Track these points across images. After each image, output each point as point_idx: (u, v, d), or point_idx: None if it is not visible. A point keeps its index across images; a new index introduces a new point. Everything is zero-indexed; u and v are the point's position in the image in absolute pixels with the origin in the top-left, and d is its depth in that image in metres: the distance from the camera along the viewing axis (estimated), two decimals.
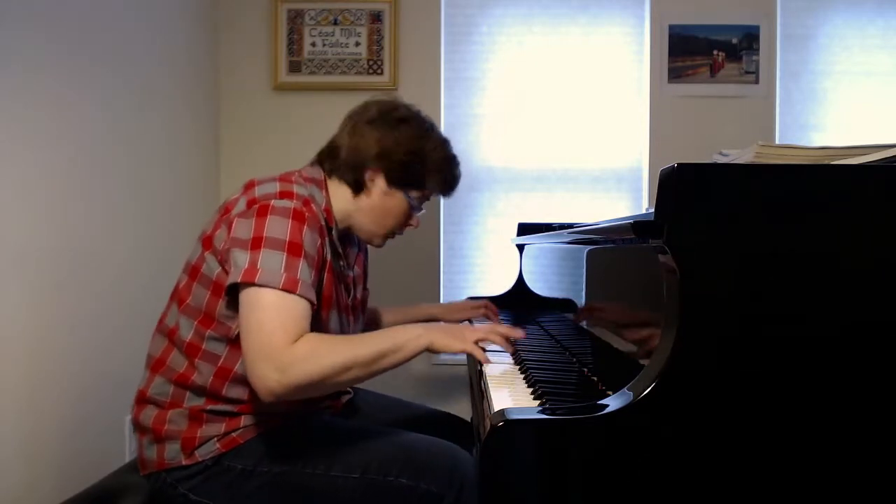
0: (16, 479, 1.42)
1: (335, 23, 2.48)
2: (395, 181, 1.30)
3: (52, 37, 1.54)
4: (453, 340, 1.14)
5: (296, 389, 1.04)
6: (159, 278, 1.98)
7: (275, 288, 1.07)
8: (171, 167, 2.13)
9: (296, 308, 1.08)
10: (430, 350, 1.14)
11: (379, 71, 2.47)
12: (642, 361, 0.88)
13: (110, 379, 1.76)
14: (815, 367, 0.74)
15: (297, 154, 2.45)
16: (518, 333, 1.22)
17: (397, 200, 1.32)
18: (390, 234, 1.37)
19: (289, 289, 1.07)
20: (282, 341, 1.04)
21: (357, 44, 2.48)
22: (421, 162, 1.30)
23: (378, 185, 1.30)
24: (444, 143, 1.35)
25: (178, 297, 1.25)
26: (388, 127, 1.29)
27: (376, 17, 2.47)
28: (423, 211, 1.40)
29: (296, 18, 2.48)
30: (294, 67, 2.49)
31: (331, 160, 1.32)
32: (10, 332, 1.41)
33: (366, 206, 1.31)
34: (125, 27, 1.85)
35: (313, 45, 2.48)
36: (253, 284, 1.07)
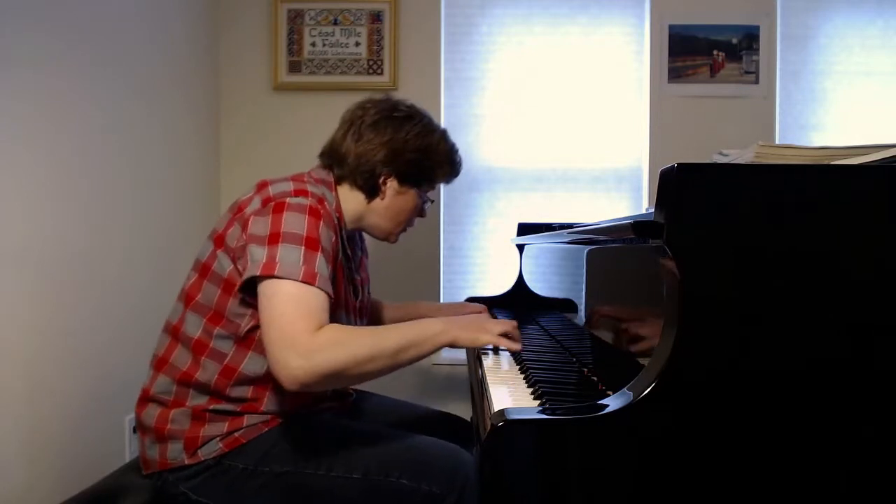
0: (16, 479, 1.42)
1: (335, 23, 2.48)
2: (406, 180, 1.34)
3: (52, 36, 1.54)
4: (476, 334, 1.16)
5: (320, 377, 1.03)
6: (160, 278, 1.98)
7: (294, 280, 1.07)
8: (171, 167, 2.13)
9: (315, 299, 1.08)
10: (453, 346, 1.14)
11: (379, 71, 2.47)
12: (642, 361, 0.88)
13: (110, 379, 1.76)
14: (815, 368, 0.74)
15: (297, 154, 2.47)
16: (518, 346, 1.22)
17: (410, 197, 1.36)
18: (404, 229, 1.42)
19: (308, 281, 1.08)
20: (304, 329, 1.04)
21: (357, 44, 2.47)
22: (429, 157, 1.34)
23: (391, 186, 1.33)
24: (445, 135, 1.39)
25: (185, 294, 1.25)
26: (392, 128, 1.31)
27: (376, 17, 2.47)
28: (432, 201, 1.44)
29: (296, 18, 2.48)
30: (294, 67, 2.49)
31: (338, 166, 1.33)
32: (9, 332, 1.41)
33: (380, 207, 1.35)
34: (125, 27, 1.85)
35: (313, 45, 2.48)
36: (272, 277, 1.08)
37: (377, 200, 1.34)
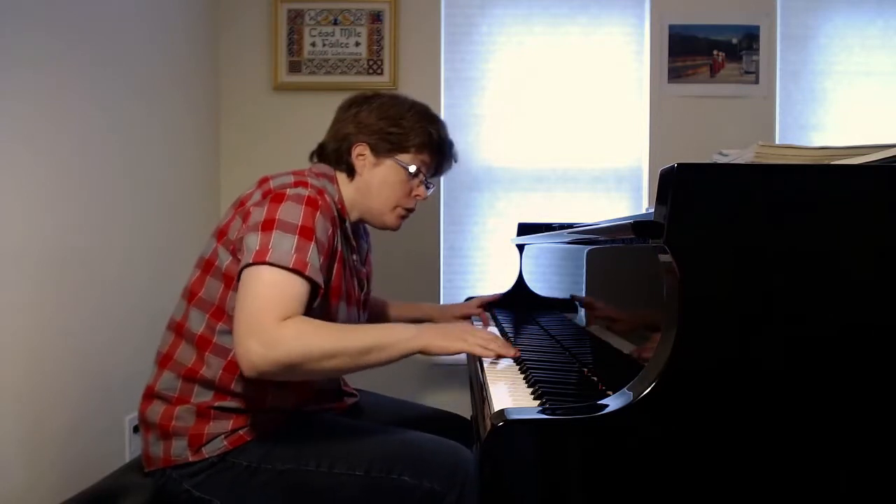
0: (16, 479, 1.42)
1: (335, 23, 2.48)
2: (379, 149, 1.33)
3: (52, 36, 1.54)
4: (451, 342, 1.14)
5: (278, 367, 1.02)
6: (160, 278, 1.98)
7: (283, 267, 1.07)
8: (171, 167, 2.13)
9: (294, 288, 1.07)
10: (425, 353, 1.12)
11: (379, 71, 2.47)
12: (642, 361, 0.88)
13: (110, 379, 1.76)
14: (815, 367, 0.74)
15: (297, 154, 2.45)
16: (512, 352, 1.19)
17: (388, 168, 1.33)
18: (400, 211, 1.37)
19: (298, 269, 1.07)
20: (271, 317, 1.03)
21: (357, 44, 2.48)
22: (397, 124, 1.32)
23: (367, 159, 1.33)
24: (420, 104, 1.38)
25: (188, 291, 1.26)
26: (360, 105, 1.35)
27: (376, 17, 2.47)
28: (431, 188, 1.40)
29: (296, 18, 2.48)
30: (294, 67, 2.49)
31: (321, 156, 1.37)
32: (9, 331, 1.41)
33: (362, 185, 1.34)
34: (125, 27, 1.85)
35: (313, 45, 2.48)
36: (262, 264, 1.07)
37: (358, 178, 1.33)
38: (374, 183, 1.33)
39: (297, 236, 1.10)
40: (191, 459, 1.19)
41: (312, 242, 1.11)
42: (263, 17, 2.50)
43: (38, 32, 1.49)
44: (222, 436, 1.20)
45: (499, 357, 1.18)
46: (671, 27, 2.44)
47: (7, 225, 1.40)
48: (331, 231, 1.19)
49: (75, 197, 1.63)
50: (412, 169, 1.34)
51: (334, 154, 1.34)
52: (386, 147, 1.32)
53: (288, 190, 1.17)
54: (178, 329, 1.26)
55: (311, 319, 1.09)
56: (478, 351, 1.16)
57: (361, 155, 1.33)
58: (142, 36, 1.94)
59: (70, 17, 1.60)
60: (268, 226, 1.11)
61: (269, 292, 1.05)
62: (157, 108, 2.03)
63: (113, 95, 1.78)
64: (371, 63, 2.47)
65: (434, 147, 1.36)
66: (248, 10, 2.51)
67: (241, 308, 1.06)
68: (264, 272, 1.07)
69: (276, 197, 1.16)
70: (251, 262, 1.08)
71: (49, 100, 1.53)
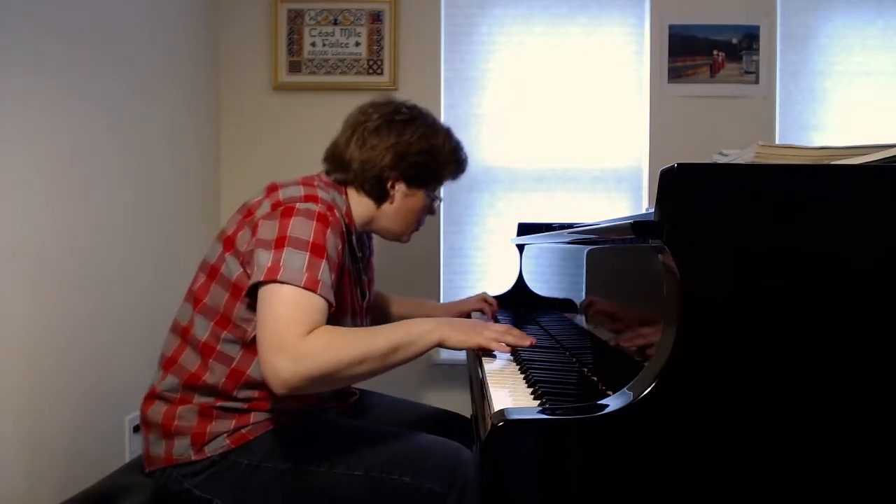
0: (16, 479, 1.42)
1: (335, 23, 2.48)
2: (414, 182, 1.34)
3: (52, 37, 1.54)
4: (466, 336, 1.15)
5: (309, 381, 1.03)
6: (160, 278, 1.98)
7: (296, 286, 1.07)
8: (171, 167, 2.13)
9: (313, 304, 1.08)
10: (443, 345, 1.13)
11: (379, 71, 2.47)
12: (642, 361, 0.88)
13: (111, 379, 1.76)
14: (815, 368, 0.74)
15: (297, 154, 2.47)
16: (528, 341, 1.20)
17: (419, 198, 1.36)
18: (415, 230, 1.43)
19: (310, 288, 1.07)
20: (296, 333, 1.03)
21: (357, 44, 2.48)
22: (435, 158, 1.34)
23: (399, 189, 1.33)
24: (448, 133, 1.39)
25: (193, 296, 1.25)
26: (396, 133, 1.30)
27: (376, 17, 2.47)
28: (441, 200, 1.46)
29: (296, 18, 2.48)
30: (294, 67, 2.49)
31: (342, 171, 1.33)
32: (10, 331, 1.41)
33: (390, 211, 1.35)
34: (125, 27, 1.85)
35: (313, 45, 2.48)
36: (274, 282, 1.07)
37: (386, 204, 1.34)
38: (403, 211, 1.35)
39: (308, 254, 1.10)
40: (193, 458, 1.20)
41: (324, 260, 1.11)
42: (263, 17, 2.50)
43: (38, 32, 1.49)
44: (225, 434, 1.20)
45: (514, 347, 1.20)
46: (671, 27, 2.44)
47: (7, 225, 1.40)
48: (340, 247, 1.19)
49: (75, 197, 1.63)
50: (438, 194, 1.40)
51: (364, 179, 1.31)
52: (421, 180, 1.34)
53: (298, 204, 1.16)
54: (183, 334, 1.25)
55: (336, 328, 1.10)
56: (493, 346, 1.17)
57: (394, 186, 1.33)
58: (142, 36, 1.94)
59: (70, 17, 1.60)
60: (279, 243, 1.10)
61: (291, 309, 1.05)
62: (157, 108, 2.03)
63: (113, 95, 1.79)
64: (371, 63, 2.47)
65: (459, 174, 1.43)
66: (248, 10, 2.51)
67: (263, 328, 1.05)
68: (282, 291, 1.06)
69: (286, 211, 1.15)
70: (262, 279, 1.08)
71: (49, 100, 1.53)
